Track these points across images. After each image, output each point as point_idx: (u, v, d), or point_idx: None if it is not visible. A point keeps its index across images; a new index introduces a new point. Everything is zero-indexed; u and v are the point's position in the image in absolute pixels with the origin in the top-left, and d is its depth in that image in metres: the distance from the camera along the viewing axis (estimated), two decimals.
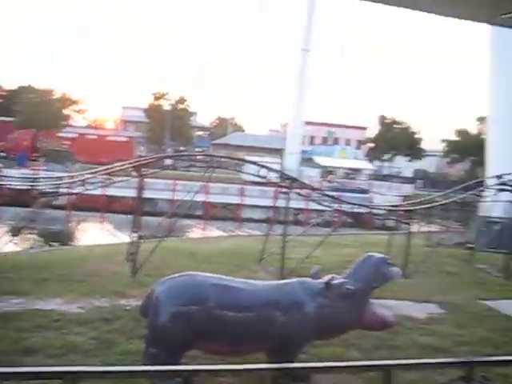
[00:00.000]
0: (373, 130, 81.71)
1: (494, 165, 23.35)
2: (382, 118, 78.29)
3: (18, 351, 7.70)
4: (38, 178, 18.18)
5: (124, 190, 30.48)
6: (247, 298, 6.74)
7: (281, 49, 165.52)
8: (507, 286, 14.53)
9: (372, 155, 78.84)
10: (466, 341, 9.71)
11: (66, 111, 68.31)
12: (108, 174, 13.35)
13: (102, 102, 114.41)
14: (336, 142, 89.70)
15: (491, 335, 10.10)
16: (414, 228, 17.48)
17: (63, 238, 28.58)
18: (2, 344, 7.92)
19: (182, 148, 72.30)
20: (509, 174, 17.01)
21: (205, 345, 6.76)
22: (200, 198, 33.96)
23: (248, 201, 39.67)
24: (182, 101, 76.30)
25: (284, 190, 14.04)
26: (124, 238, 23.45)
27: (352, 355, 8.40)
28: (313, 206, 22.51)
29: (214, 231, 34.16)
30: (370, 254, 7.35)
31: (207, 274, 7.17)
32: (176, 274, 7.06)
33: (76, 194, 19.56)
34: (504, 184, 16.67)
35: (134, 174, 13.29)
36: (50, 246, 22.99)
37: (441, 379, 5.88)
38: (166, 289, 6.69)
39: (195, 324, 6.43)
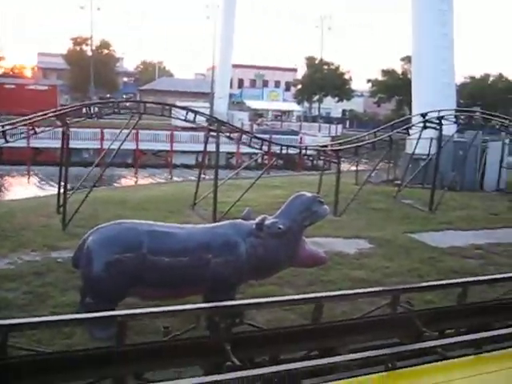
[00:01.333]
0: (302, 72, 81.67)
1: (419, 103, 23.93)
2: (311, 59, 78.16)
3: None
4: None
5: (49, 140, 29.55)
6: (180, 242, 6.76)
7: None
8: (432, 219, 15.22)
9: (301, 97, 79.02)
10: (394, 272, 10.19)
11: None
12: (30, 124, 12.82)
13: (19, 49, 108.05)
14: (265, 84, 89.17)
15: (418, 266, 10.64)
16: (344, 167, 17.89)
17: None
18: None
19: (108, 95, 70.03)
20: (432, 111, 17.52)
21: (141, 291, 6.78)
22: (129, 145, 33.37)
23: (179, 146, 39.20)
24: (105, 45, 73.34)
25: (213, 133, 13.99)
26: (52, 190, 22.83)
27: (287, 292, 8.63)
28: (245, 149, 22.52)
29: (145, 179, 33.73)
30: (300, 193, 7.46)
31: (138, 221, 7.13)
32: (107, 223, 6.98)
33: None
34: (428, 122, 17.17)
35: (58, 123, 12.84)
36: None
37: (369, 308, 6.15)
38: (98, 238, 6.61)
39: (129, 271, 6.42)
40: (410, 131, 17.71)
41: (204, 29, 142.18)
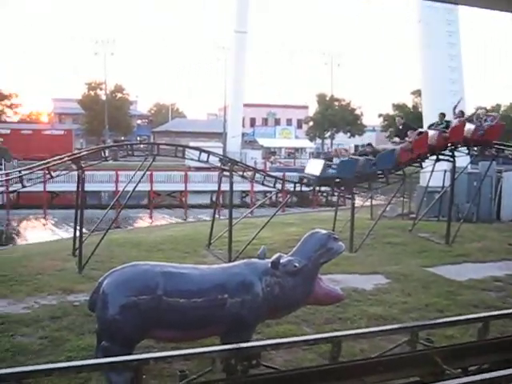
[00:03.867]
0: (313, 109, 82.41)
1: None
2: (322, 96, 78.91)
3: None
4: None
5: (66, 184, 29.91)
6: (196, 283, 6.72)
7: (216, 32, 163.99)
8: (449, 252, 15.04)
9: (313, 133, 79.52)
10: (412, 307, 10.02)
11: None
12: (46, 168, 13.00)
13: (35, 96, 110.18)
14: (277, 122, 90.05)
15: (436, 300, 10.46)
16: (358, 202, 17.83)
17: (3, 238, 27.68)
18: None
19: (122, 138, 71.00)
20: None
21: (157, 333, 6.72)
22: (144, 187, 33.58)
23: (193, 186, 39.41)
24: (119, 89, 74.74)
25: (227, 173, 14.06)
26: (68, 233, 22.94)
27: (304, 331, 8.53)
28: (259, 187, 22.59)
29: (160, 219, 33.80)
30: (315, 230, 7.43)
31: (154, 263, 7.12)
32: (122, 265, 6.97)
33: (13, 191, 18.95)
34: (441, 154, 17.12)
35: (74, 167, 13.00)
36: None
37: (388, 346, 6.04)
38: (113, 280, 6.58)
39: (145, 313, 6.37)
40: (424, 164, 17.66)
41: (215, 70, 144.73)
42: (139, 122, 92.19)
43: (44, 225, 31.92)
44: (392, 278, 12.03)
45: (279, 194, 25.47)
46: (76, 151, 19.53)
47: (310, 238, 7.26)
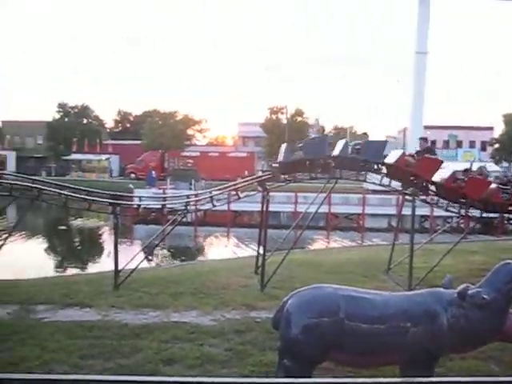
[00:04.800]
0: (499, 130, 77.27)
1: None
2: (509, 117, 73.73)
3: (158, 361, 8.19)
4: (168, 196, 19.15)
5: (248, 204, 31.35)
6: (378, 308, 6.66)
7: (395, 52, 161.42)
8: None
9: (499, 156, 74.43)
10: None
11: (188, 131, 71.35)
12: (235, 189, 13.83)
13: (221, 120, 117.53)
14: (459, 145, 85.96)
15: None
16: None
17: (192, 253, 29.72)
18: (144, 354, 8.46)
19: None
20: None
21: (336, 356, 6.77)
22: (322, 209, 33.93)
23: (370, 210, 38.99)
24: (299, 113, 76.85)
25: (409, 197, 13.75)
26: (250, 251, 23.97)
27: (491, 369, 8.02)
28: (438, 212, 21.68)
29: (336, 242, 33.93)
30: (507, 261, 7.01)
31: (336, 286, 7.19)
32: (306, 287, 7.16)
33: (205, 210, 20.34)
34: None
35: (259, 188, 13.66)
36: (181, 261, 24.03)
37: None
38: (297, 301, 6.79)
39: (327, 336, 6.47)
40: None
41: (395, 91, 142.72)
42: None
43: (227, 242, 33.71)
44: None
45: (461, 220, 24.21)
46: (260, 173, 20.51)
47: (502, 269, 6.86)
